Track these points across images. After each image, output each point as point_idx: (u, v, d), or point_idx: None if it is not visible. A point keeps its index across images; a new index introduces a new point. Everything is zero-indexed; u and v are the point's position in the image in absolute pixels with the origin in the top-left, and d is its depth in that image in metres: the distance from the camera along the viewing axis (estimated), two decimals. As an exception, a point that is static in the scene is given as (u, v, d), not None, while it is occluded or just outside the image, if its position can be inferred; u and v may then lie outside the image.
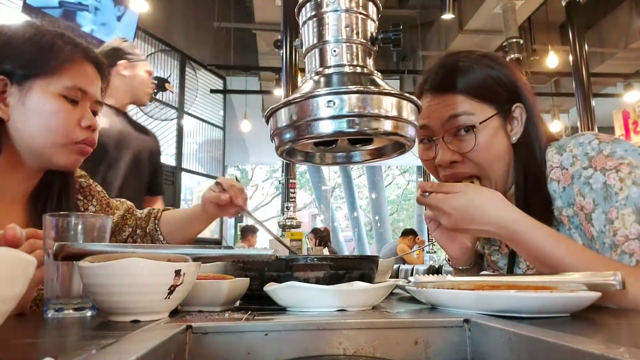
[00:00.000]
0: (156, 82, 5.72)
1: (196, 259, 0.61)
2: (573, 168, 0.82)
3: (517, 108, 0.91)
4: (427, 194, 0.81)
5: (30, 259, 0.41)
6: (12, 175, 0.89)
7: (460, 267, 1.00)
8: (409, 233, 6.64)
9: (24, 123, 0.85)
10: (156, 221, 1.13)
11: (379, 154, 0.87)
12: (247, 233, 6.64)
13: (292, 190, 3.92)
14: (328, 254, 5.32)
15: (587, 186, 0.80)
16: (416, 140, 0.96)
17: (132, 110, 5.78)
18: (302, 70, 0.79)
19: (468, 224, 0.77)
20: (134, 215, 1.14)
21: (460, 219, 0.77)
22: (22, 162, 0.89)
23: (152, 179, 2.09)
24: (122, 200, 1.17)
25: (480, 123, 0.87)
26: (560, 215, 0.85)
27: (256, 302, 0.78)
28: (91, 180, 1.10)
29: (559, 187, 0.85)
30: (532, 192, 0.87)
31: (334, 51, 0.74)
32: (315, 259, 0.75)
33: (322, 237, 5.85)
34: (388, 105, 0.69)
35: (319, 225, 5.86)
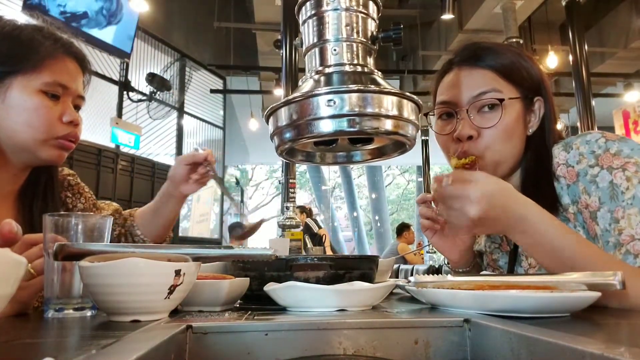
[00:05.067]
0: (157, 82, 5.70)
1: (196, 259, 0.61)
2: (579, 166, 0.82)
3: (537, 101, 0.91)
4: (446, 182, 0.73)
5: (21, 259, 0.41)
6: None
7: (460, 270, 0.99)
8: (403, 229, 6.57)
9: (6, 120, 0.86)
10: (132, 218, 1.15)
11: (379, 153, 0.87)
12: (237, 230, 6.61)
13: (292, 190, 3.92)
14: (312, 222, 5.46)
15: (593, 184, 0.79)
16: (434, 116, 0.96)
17: (133, 110, 5.81)
18: (302, 70, 0.79)
19: (494, 212, 0.70)
20: (121, 215, 1.16)
21: (488, 208, 0.70)
22: (8, 160, 0.89)
23: None
24: (108, 202, 1.19)
25: (509, 99, 0.87)
26: (567, 212, 0.85)
27: (256, 302, 0.78)
28: (79, 179, 1.11)
29: (562, 185, 0.85)
30: (542, 186, 0.87)
31: (334, 50, 0.74)
32: (315, 259, 0.75)
33: (307, 212, 5.96)
34: (388, 104, 0.69)
35: (307, 228, 5.96)
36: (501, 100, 0.87)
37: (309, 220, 5.78)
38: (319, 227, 5.66)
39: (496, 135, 0.87)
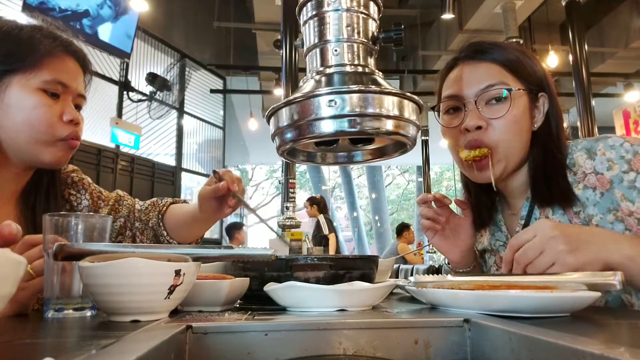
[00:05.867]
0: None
1: (196, 259, 0.61)
2: (611, 172, 0.81)
3: (541, 97, 0.92)
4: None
5: (20, 259, 0.41)
6: (1, 174, 0.89)
7: (461, 270, 0.99)
8: (403, 229, 6.56)
9: (6, 120, 0.85)
10: (160, 216, 1.08)
11: (380, 153, 0.87)
12: (234, 231, 6.36)
13: (291, 190, 3.92)
14: (324, 221, 5.33)
15: (634, 190, 0.79)
16: (440, 111, 0.96)
17: (132, 110, 5.81)
18: (303, 70, 0.79)
19: (579, 237, 0.70)
20: (124, 205, 1.10)
21: (569, 234, 0.70)
22: (10, 160, 0.88)
23: None
24: (116, 190, 1.14)
25: (518, 89, 0.88)
26: (590, 222, 0.84)
27: (256, 302, 0.78)
28: (82, 175, 1.09)
29: (595, 194, 0.83)
30: (555, 180, 0.86)
31: (335, 50, 0.74)
32: (315, 259, 0.75)
33: (319, 205, 5.72)
34: (389, 104, 0.69)
35: (318, 227, 5.81)
36: (509, 90, 0.87)
37: (321, 219, 5.61)
38: (330, 230, 5.50)
39: (505, 127, 0.88)
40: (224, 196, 0.98)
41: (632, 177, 0.79)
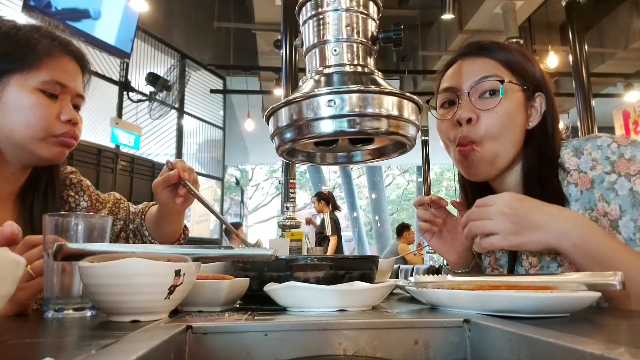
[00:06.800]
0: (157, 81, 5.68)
1: (196, 259, 0.61)
2: (593, 172, 0.81)
3: (538, 97, 0.92)
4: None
5: (19, 259, 0.41)
6: None
7: (459, 271, 0.99)
8: (403, 229, 6.55)
9: (3, 119, 0.85)
10: (143, 216, 1.09)
11: (379, 153, 0.87)
12: (231, 231, 6.30)
13: (291, 190, 3.93)
14: (329, 221, 5.23)
15: (612, 192, 0.79)
16: (437, 105, 0.97)
17: (132, 110, 5.80)
18: (302, 70, 0.79)
19: (525, 205, 0.74)
20: (122, 208, 1.11)
21: (513, 199, 0.74)
22: (6, 160, 0.88)
23: None
24: (112, 192, 1.15)
25: (510, 82, 0.89)
26: None
27: (256, 302, 0.78)
28: (82, 177, 1.09)
29: (576, 191, 0.84)
30: (547, 182, 0.86)
31: (335, 50, 0.74)
32: (315, 259, 0.75)
33: (327, 200, 5.59)
34: (389, 104, 0.69)
35: (317, 226, 5.73)
36: (502, 81, 0.88)
37: (326, 217, 5.45)
38: (333, 232, 5.42)
39: (495, 119, 0.87)
40: (177, 186, 0.97)
41: (613, 179, 0.79)
